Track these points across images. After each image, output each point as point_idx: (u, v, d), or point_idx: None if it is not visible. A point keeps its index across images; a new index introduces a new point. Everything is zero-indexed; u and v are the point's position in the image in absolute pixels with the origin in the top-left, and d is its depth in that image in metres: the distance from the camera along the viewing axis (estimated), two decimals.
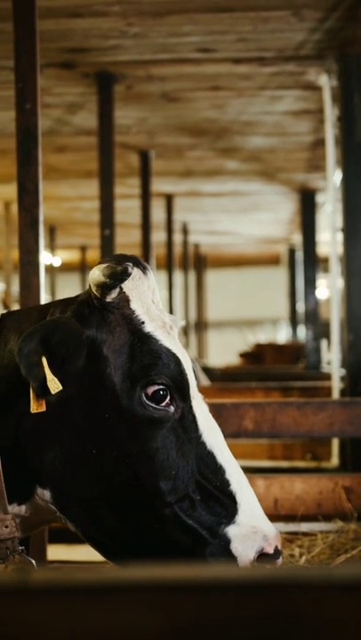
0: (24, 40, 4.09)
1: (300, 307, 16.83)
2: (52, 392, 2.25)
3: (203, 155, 10.40)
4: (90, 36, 6.22)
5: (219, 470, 2.35)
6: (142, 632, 0.94)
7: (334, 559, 3.73)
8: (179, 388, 2.37)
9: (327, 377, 8.34)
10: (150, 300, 2.45)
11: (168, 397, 2.35)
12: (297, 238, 17.09)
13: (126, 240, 14.96)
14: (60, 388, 2.25)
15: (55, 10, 5.67)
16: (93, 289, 2.36)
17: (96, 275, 2.34)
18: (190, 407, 2.39)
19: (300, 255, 15.47)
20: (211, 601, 0.95)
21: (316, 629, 0.95)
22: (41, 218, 4.08)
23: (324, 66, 6.90)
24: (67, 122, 8.62)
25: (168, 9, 5.74)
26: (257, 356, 15.24)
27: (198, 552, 2.30)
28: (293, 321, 19.31)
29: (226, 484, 2.34)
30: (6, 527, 2.34)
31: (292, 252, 18.93)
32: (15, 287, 13.61)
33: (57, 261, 17.79)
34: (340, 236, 6.68)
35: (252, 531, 2.31)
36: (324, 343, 12.26)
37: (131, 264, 2.40)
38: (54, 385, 2.25)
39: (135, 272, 2.42)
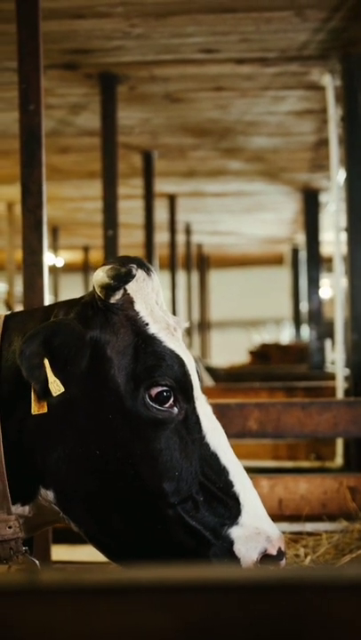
0: (27, 41, 4.09)
1: (304, 306, 16.82)
2: (54, 394, 2.25)
3: (206, 155, 10.40)
4: (93, 37, 6.23)
5: (222, 471, 2.35)
6: (149, 632, 0.94)
7: (339, 559, 3.73)
8: (182, 389, 2.37)
9: (331, 377, 8.34)
10: (154, 301, 2.46)
11: (172, 399, 2.35)
12: (300, 238, 17.09)
13: (129, 240, 14.98)
14: (62, 389, 2.25)
15: (58, 11, 5.67)
16: (97, 290, 2.36)
17: (100, 276, 2.34)
18: (194, 408, 2.39)
19: (303, 255, 15.45)
20: (217, 601, 0.95)
21: (323, 630, 0.95)
22: (44, 219, 4.08)
23: (328, 66, 6.90)
24: (70, 123, 8.62)
25: (171, 10, 5.75)
26: (264, 354, 15.25)
27: (201, 553, 2.30)
28: (297, 321, 19.30)
29: (229, 485, 2.34)
30: (10, 528, 2.35)
31: (295, 252, 18.92)
32: (18, 288, 13.63)
33: (60, 262, 17.79)
34: (343, 236, 6.68)
35: (255, 532, 2.30)
36: (328, 343, 12.25)
37: (135, 265, 2.40)
38: (56, 387, 2.25)
39: (139, 274, 2.42)
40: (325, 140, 7.84)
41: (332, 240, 6.97)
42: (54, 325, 2.30)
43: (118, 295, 2.37)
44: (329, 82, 6.95)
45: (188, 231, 16.44)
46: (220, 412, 3.49)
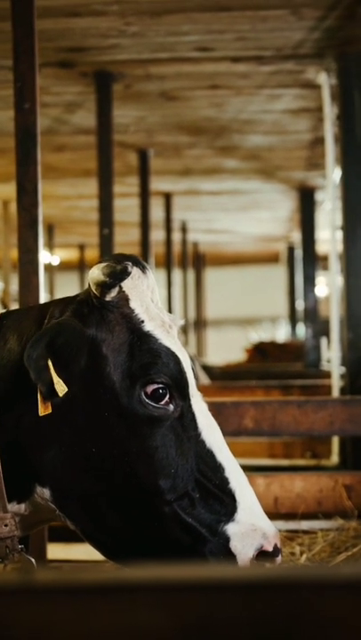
0: (22, 39, 4.09)
1: (300, 305, 16.83)
2: (60, 395, 2.25)
3: (201, 153, 10.40)
4: (88, 35, 6.22)
5: (218, 468, 2.36)
6: (146, 631, 0.94)
7: (335, 557, 3.73)
8: (178, 386, 2.37)
9: (327, 375, 8.34)
10: (150, 299, 2.46)
11: (167, 396, 2.35)
12: (296, 236, 17.10)
13: (125, 239, 14.95)
14: (66, 390, 2.25)
15: (53, 9, 5.67)
16: (93, 288, 2.36)
17: (96, 274, 2.35)
18: (190, 406, 2.40)
19: (299, 253, 15.47)
20: (214, 600, 0.95)
21: (319, 628, 0.95)
22: (40, 217, 4.08)
23: (323, 64, 6.90)
24: (65, 121, 8.62)
25: (166, 8, 5.74)
26: (262, 350, 15.26)
27: (198, 550, 2.30)
28: (293, 319, 19.31)
29: (225, 482, 2.35)
30: (6, 526, 2.34)
31: (291, 250, 18.92)
32: (14, 286, 13.61)
33: (55, 260, 17.78)
34: (339, 234, 6.68)
35: (251, 529, 2.31)
36: (323, 341, 12.26)
37: (130, 263, 2.41)
38: (60, 387, 2.25)
39: (134, 271, 2.42)
40: (321, 138, 7.84)
41: (328, 238, 6.97)
42: (57, 326, 2.30)
43: (114, 293, 2.38)
44: (325, 80, 6.95)
45: (183, 229, 16.43)
46: (216, 411, 3.49)
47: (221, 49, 6.59)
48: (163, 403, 2.35)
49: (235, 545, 2.30)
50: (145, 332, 2.38)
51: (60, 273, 19.70)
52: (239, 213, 15.76)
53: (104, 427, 2.33)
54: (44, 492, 2.40)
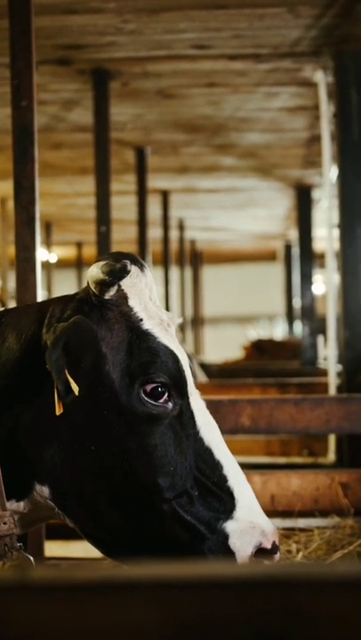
0: (19, 37, 4.08)
1: (297, 302, 16.84)
2: (76, 393, 2.23)
3: (199, 151, 10.40)
4: (85, 32, 6.22)
5: (216, 466, 2.36)
6: (142, 629, 0.94)
7: (331, 555, 3.74)
8: (177, 385, 2.38)
9: (324, 373, 8.35)
10: (148, 297, 2.46)
11: (166, 394, 2.36)
12: (293, 234, 17.11)
13: (122, 236, 14.95)
14: (78, 388, 2.24)
15: (50, 6, 5.66)
16: (92, 286, 2.36)
17: (95, 272, 2.34)
18: (188, 404, 2.40)
19: (296, 251, 15.47)
20: (211, 598, 0.95)
21: (316, 626, 0.95)
22: (37, 215, 4.07)
23: (320, 62, 6.90)
24: (62, 118, 8.61)
25: (163, 5, 5.74)
26: (261, 347, 15.27)
27: (197, 548, 2.31)
28: (290, 317, 19.33)
29: (224, 479, 2.35)
30: (5, 524, 2.35)
31: (288, 248, 18.94)
32: (11, 284, 13.60)
33: (53, 258, 17.78)
34: (336, 232, 6.68)
35: (250, 526, 2.32)
36: (320, 339, 12.27)
37: (129, 261, 2.40)
38: (74, 386, 2.24)
39: (133, 269, 2.42)
40: (318, 136, 7.84)
41: (325, 236, 6.97)
42: (73, 326, 2.27)
43: (113, 291, 2.38)
44: (321, 78, 6.95)
45: (181, 227, 16.43)
46: (213, 408, 3.49)
47: (218, 47, 6.59)
48: (161, 401, 2.35)
49: (234, 542, 2.30)
50: (144, 331, 2.38)
51: (57, 270, 19.71)
52: (236, 211, 15.77)
53: (103, 425, 2.33)
54: (43, 490, 2.40)
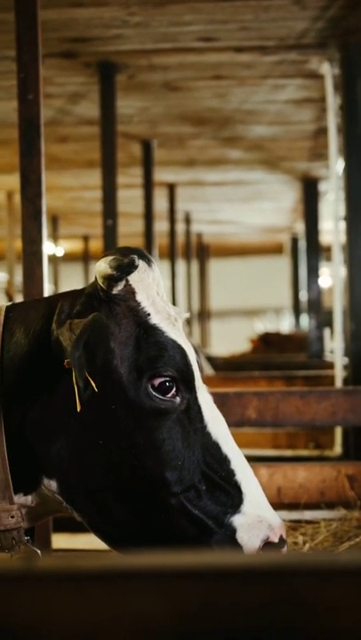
0: (26, 30, 4.08)
1: (303, 296, 16.82)
2: (96, 389, 2.22)
3: (205, 144, 10.38)
4: (91, 25, 6.21)
5: (224, 460, 2.37)
6: (149, 618, 0.95)
7: (337, 547, 3.75)
8: (184, 379, 2.38)
9: (330, 366, 8.35)
10: (155, 291, 2.46)
11: (174, 389, 2.36)
12: (300, 227, 17.08)
13: (129, 230, 14.96)
14: (94, 385, 2.23)
15: (56, 0, 5.66)
16: (100, 281, 2.36)
17: (102, 267, 2.34)
18: (196, 398, 2.40)
19: (302, 244, 15.45)
20: (216, 588, 0.96)
21: (320, 616, 0.96)
22: (44, 208, 4.08)
23: (327, 54, 6.88)
24: (69, 112, 8.61)
25: None
26: (268, 340, 15.27)
27: (204, 542, 2.32)
28: (296, 310, 19.31)
29: (231, 474, 2.36)
30: (12, 517, 2.36)
31: (294, 241, 18.90)
32: (18, 277, 13.62)
33: (60, 251, 17.79)
34: (342, 225, 6.67)
35: (257, 520, 2.33)
36: (327, 332, 12.25)
37: (136, 256, 2.40)
38: (93, 382, 2.23)
39: (141, 264, 2.42)
40: (324, 128, 7.82)
41: (332, 229, 6.97)
42: (92, 324, 2.26)
43: (120, 286, 2.38)
44: (328, 70, 6.93)
45: (187, 220, 16.42)
46: (220, 401, 3.50)
47: (225, 39, 6.57)
48: (169, 395, 2.35)
49: (241, 536, 2.31)
50: (151, 325, 2.39)
51: (64, 264, 19.73)
52: (243, 204, 15.75)
53: (111, 419, 2.33)
54: (50, 484, 2.41)
